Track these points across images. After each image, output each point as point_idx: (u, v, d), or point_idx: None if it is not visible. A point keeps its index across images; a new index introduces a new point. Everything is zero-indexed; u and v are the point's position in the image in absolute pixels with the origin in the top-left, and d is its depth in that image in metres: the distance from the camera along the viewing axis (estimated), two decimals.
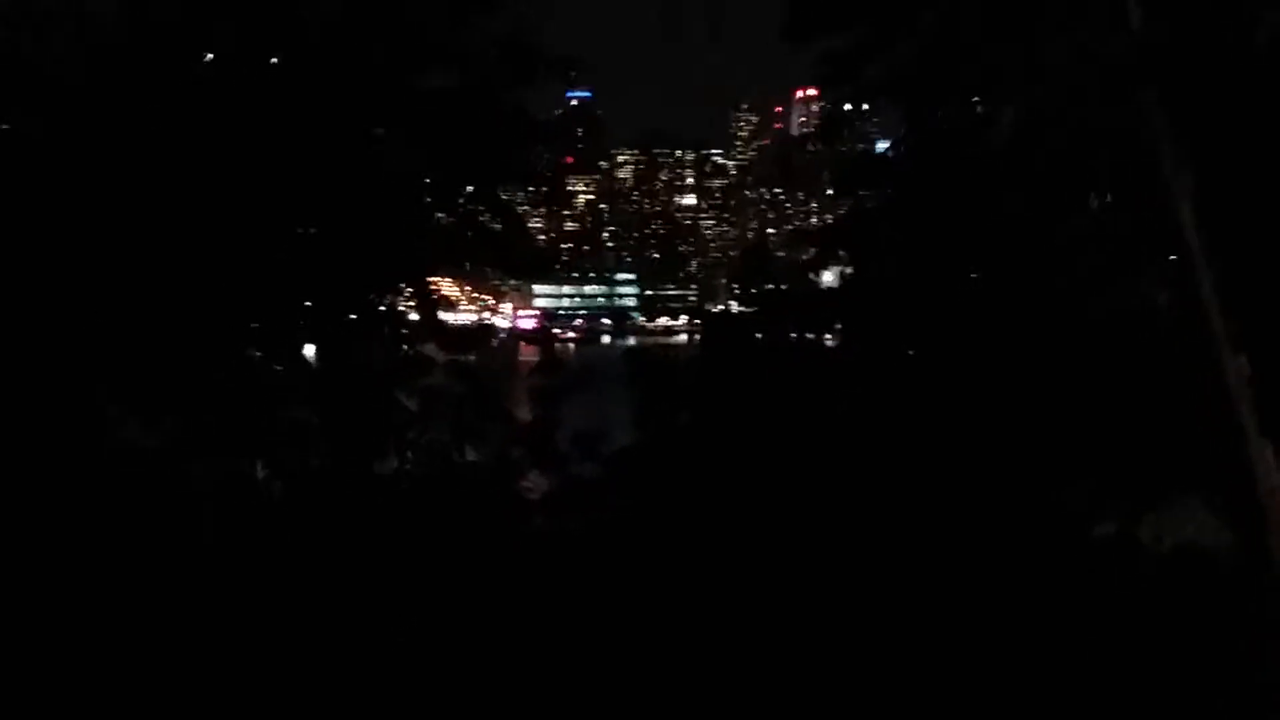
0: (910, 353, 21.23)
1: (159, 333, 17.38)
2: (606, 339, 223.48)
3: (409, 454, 19.22)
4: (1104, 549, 17.17)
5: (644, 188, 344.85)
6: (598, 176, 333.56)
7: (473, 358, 20.97)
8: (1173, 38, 14.78)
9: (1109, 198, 17.83)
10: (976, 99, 18.89)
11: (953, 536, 17.46)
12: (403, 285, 19.80)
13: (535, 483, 20.89)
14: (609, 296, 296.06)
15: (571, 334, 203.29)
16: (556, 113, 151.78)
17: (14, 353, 16.56)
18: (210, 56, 18.12)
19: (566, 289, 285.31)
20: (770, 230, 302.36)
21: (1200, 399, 15.15)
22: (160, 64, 17.46)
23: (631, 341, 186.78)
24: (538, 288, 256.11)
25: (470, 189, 20.28)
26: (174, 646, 15.13)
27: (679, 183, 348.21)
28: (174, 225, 17.12)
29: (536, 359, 23.77)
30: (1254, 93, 14.76)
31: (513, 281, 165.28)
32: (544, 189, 25.82)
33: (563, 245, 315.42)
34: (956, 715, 15.48)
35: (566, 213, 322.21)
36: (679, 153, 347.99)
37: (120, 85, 17.14)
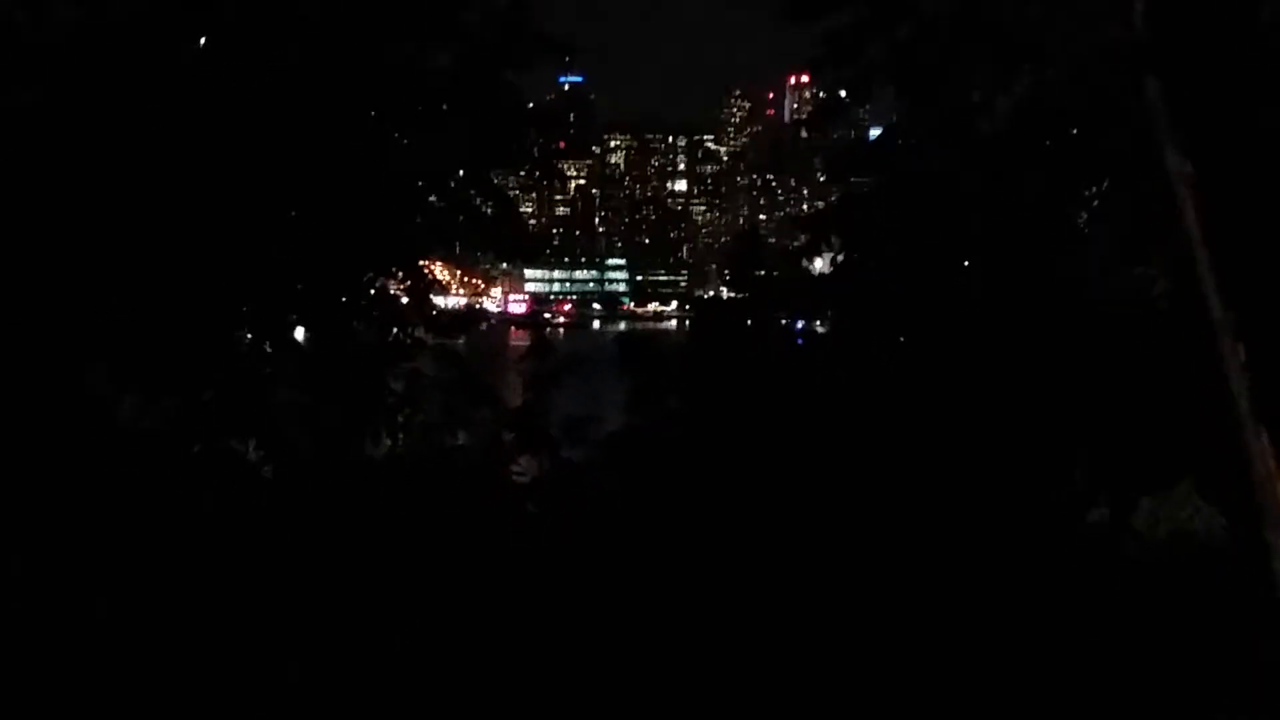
0: (902, 339, 21.21)
1: (152, 313, 17.31)
2: (597, 324, 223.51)
3: (400, 437, 19.17)
4: (1098, 535, 17.16)
5: (636, 173, 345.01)
6: (589, 161, 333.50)
7: (462, 341, 20.92)
8: (1175, 21, 14.71)
9: (1108, 183, 17.79)
10: (975, 82, 18.81)
11: (945, 522, 17.44)
12: (394, 268, 19.73)
13: (526, 467, 20.87)
14: (600, 282, 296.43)
15: (561, 319, 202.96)
16: (549, 97, 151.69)
17: (8, 332, 16.49)
18: (205, 33, 18.00)
19: (557, 274, 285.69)
20: (762, 216, 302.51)
21: (1196, 386, 15.10)
22: (158, 42, 17.36)
23: (622, 327, 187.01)
24: (529, 272, 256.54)
25: (462, 172, 20.19)
26: (169, 629, 15.10)
27: (671, 168, 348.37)
28: (167, 205, 17.04)
29: (527, 343, 23.68)
30: (1256, 76, 14.71)
31: (504, 266, 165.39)
32: (536, 173, 25.68)
33: (554, 230, 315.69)
34: (947, 704, 15.46)
35: (558, 197, 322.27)
36: (671, 138, 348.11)
37: (116, 63, 17.03)
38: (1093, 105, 15.47)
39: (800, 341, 23.22)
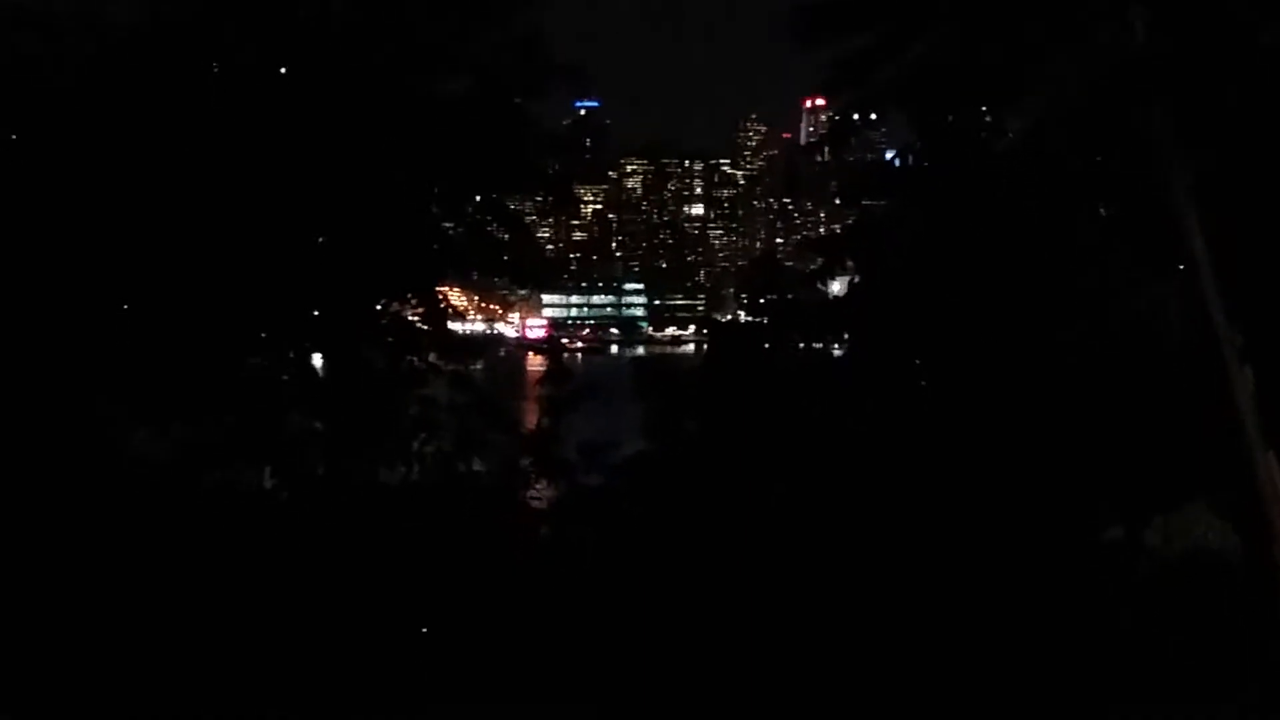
0: (917, 361, 21.22)
1: (167, 341, 17.41)
2: (614, 349, 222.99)
3: (415, 463, 19.23)
4: (1112, 552, 17.18)
5: (652, 197, 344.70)
6: (606, 186, 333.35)
7: (479, 366, 20.99)
8: (1176, 47, 14.78)
9: (1117, 206, 17.82)
10: (984, 106, 18.84)
11: (961, 541, 17.46)
12: (409, 294, 19.80)
13: (542, 492, 20.91)
14: (617, 306, 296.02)
15: (579, 344, 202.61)
16: (565, 122, 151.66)
17: (23, 363, 16.59)
18: (222, 63, 18.12)
19: (575, 299, 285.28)
20: (778, 240, 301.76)
21: (1207, 408, 15.15)
22: (172, 70, 17.48)
23: (640, 351, 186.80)
24: (546, 297, 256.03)
25: (478, 198, 20.29)
26: (182, 655, 15.17)
27: (687, 192, 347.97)
28: (182, 233, 17.15)
29: (544, 368, 23.71)
30: (1257, 100, 14.76)
31: (521, 291, 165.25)
32: (552, 198, 25.68)
33: (571, 255, 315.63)
34: (962, 713, 15.53)
35: (575, 222, 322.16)
36: (687, 162, 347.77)
37: (131, 91, 17.16)
38: (1099, 127, 15.52)
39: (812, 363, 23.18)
